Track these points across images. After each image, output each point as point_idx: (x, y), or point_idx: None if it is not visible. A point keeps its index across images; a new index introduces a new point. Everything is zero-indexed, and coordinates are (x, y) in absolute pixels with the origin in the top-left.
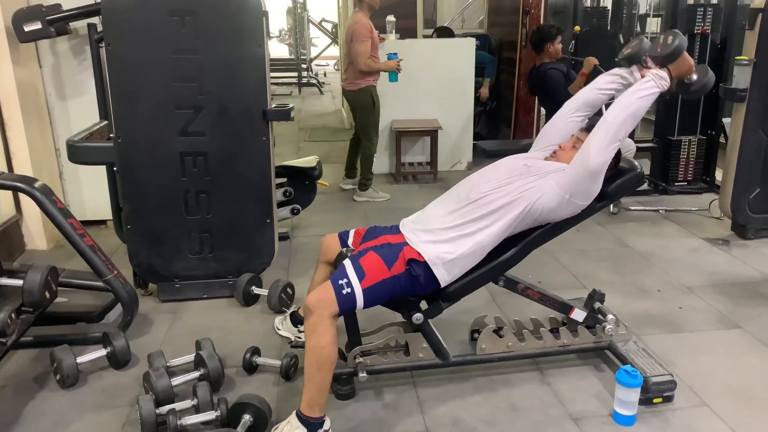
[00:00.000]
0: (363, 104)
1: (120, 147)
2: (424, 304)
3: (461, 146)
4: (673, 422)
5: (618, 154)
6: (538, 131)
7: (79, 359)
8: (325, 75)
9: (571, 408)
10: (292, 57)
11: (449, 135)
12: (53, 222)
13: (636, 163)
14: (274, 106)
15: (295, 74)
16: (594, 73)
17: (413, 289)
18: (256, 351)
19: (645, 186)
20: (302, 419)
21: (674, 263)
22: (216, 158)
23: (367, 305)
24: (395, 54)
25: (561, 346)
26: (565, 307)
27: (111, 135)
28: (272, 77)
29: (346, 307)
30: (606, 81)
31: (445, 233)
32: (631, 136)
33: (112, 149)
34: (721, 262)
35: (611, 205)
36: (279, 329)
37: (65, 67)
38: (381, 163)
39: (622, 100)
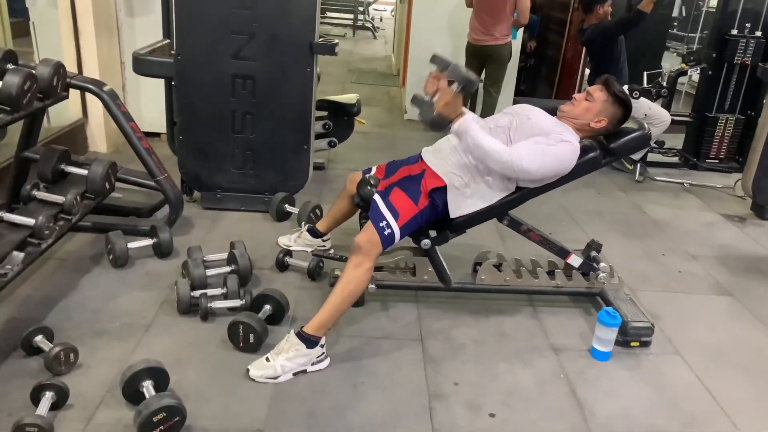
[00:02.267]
0: (505, 57)
1: (179, 64)
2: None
3: (502, 100)
4: (644, 364)
5: (627, 110)
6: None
7: (130, 245)
8: (381, 20)
9: (554, 340)
10: None
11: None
12: (116, 123)
13: (645, 124)
14: (320, 40)
15: (351, 16)
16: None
17: (435, 216)
18: (288, 253)
19: (675, 159)
20: (303, 337)
21: (685, 233)
22: (263, 83)
23: (402, 238)
24: None
25: (555, 287)
26: (563, 252)
27: (172, 52)
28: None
29: (388, 245)
30: None
31: (458, 167)
32: (668, 107)
33: (171, 65)
34: (732, 237)
35: (637, 173)
36: (290, 246)
37: None
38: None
39: (482, 155)
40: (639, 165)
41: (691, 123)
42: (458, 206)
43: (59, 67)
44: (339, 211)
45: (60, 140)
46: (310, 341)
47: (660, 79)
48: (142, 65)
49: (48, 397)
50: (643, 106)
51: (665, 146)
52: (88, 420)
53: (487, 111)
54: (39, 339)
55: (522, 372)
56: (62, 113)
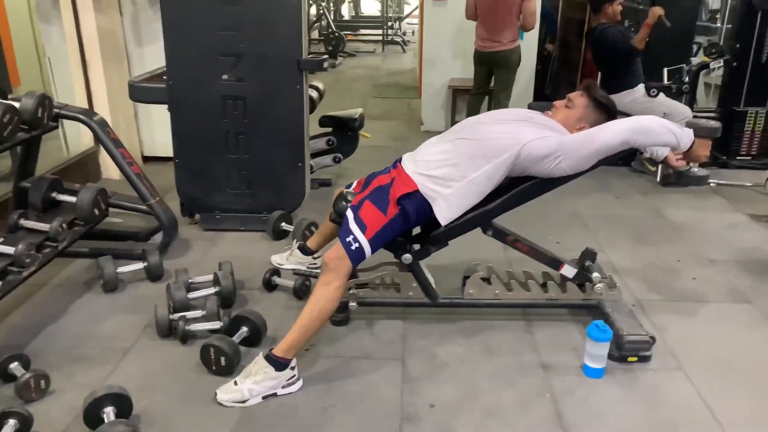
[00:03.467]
0: (514, 63)
1: (171, 89)
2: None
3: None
4: (642, 380)
5: (610, 114)
6: None
7: (120, 269)
8: (413, 33)
9: (545, 357)
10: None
11: None
12: (106, 150)
13: None
14: (310, 56)
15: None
16: (658, 26)
17: (408, 225)
18: (275, 272)
19: None
20: (272, 360)
21: (705, 236)
22: (254, 103)
23: (374, 251)
24: None
25: (548, 299)
26: (555, 263)
27: (164, 77)
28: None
29: (358, 260)
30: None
31: (438, 168)
32: (690, 103)
33: (164, 90)
34: (757, 239)
35: (659, 174)
36: (282, 264)
37: (143, 15)
38: (437, 120)
39: (658, 119)
40: (661, 166)
41: (718, 119)
42: (443, 213)
43: (44, 99)
44: (328, 228)
45: (72, 168)
46: (279, 363)
47: (681, 74)
48: (137, 92)
49: (10, 424)
50: (661, 104)
51: None
52: None
53: None
54: (14, 366)
55: (505, 391)
56: (80, 141)
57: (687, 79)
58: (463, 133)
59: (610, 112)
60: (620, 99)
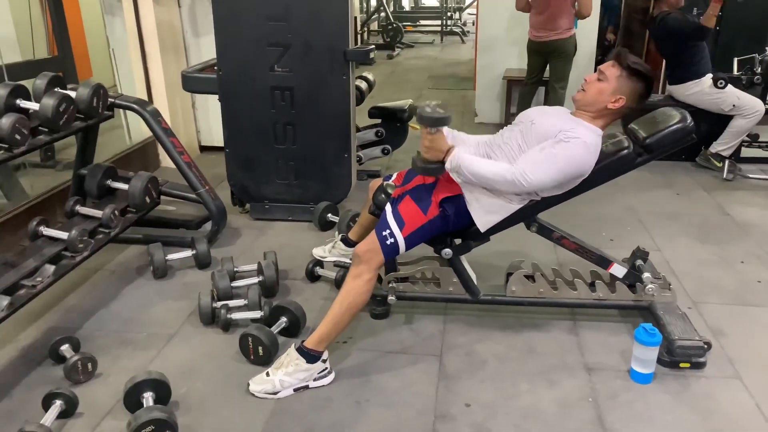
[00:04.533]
0: (570, 52)
1: (221, 79)
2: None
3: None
4: (694, 388)
5: (648, 82)
6: (663, 87)
7: (169, 256)
8: (474, 24)
9: (590, 359)
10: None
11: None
12: (157, 139)
13: (687, 114)
14: (357, 47)
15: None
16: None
17: (447, 227)
18: (318, 263)
19: None
20: (303, 351)
21: None
22: (301, 93)
23: (408, 249)
24: None
25: (596, 299)
26: (604, 261)
27: (215, 68)
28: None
29: (391, 255)
30: None
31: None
32: (762, 96)
33: (215, 80)
34: None
35: (725, 170)
36: (324, 257)
37: (200, 6)
38: (491, 111)
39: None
40: (728, 162)
41: None
42: (483, 220)
43: (99, 89)
44: (367, 219)
45: (133, 156)
46: (310, 356)
47: (753, 64)
48: (189, 82)
49: (57, 405)
50: (730, 95)
51: (760, 140)
52: (92, 429)
53: None
54: (65, 348)
55: (544, 393)
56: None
57: (759, 69)
58: (508, 144)
59: (646, 79)
60: (685, 90)
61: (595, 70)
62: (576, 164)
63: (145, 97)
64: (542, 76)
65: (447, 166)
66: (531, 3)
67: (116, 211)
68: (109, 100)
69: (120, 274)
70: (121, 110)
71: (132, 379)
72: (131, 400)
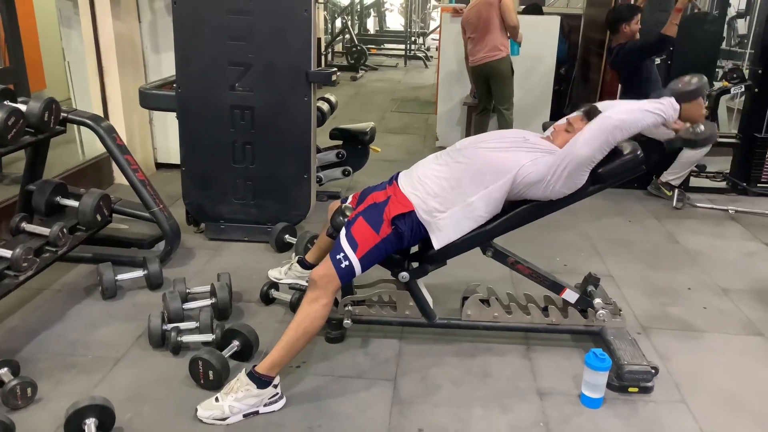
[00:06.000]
0: (505, 73)
1: (180, 96)
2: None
3: (533, 126)
4: (641, 412)
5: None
6: None
7: (119, 276)
8: (437, 49)
9: (542, 383)
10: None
11: (522, 113)
12: (111, 156)
13: (638, 147)
14: (319, 68)
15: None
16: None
17: (402, 245)
18: (274, 285)
19: (723, 184)
20: (254, 377)
21: (720, 264)
22: (261, 113)
23: (364, 270)
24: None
25: (548, 324)
26: (556, 286)
27: (173, 85)
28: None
29: (347, 279)
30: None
31: (434, 191)
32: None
33: (173, 98)
34: None
35: (675, 199)
36: (280, 279)
37: (161, 23)
38: (452, 136)
39: (627, 105)
40: (677, 191)
41: (738, 145)
42: (439, 237)
43: (51, 103)
44: (325, 242)
45: (85, 173)
46: (261, 381)
47: None
48: (147, 99)
49: None
50: None
51: (708, 170)
52: None
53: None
54: (3, 372)
55: (498, 417)
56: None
57: (707, 103)
58: (460, 156)
59: None
60: None
61: (553, 100)
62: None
63: (100, 112)
64: (491, 102)
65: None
66: (463, 29)
67: (65, 229)
68: (62, 114)
69: (66, 294)
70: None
71: (74, 405)
72: (72, 427)
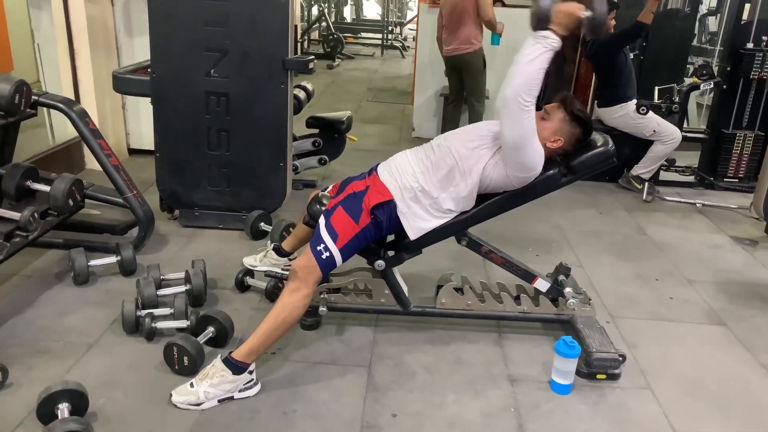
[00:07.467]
0: (477, 66)
1: (154, 81)
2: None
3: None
4: (609, 398)
5: (586, 129)
6: (591, 110)
7: (92, 262)
8: (414, 39)
9: (513, 370)
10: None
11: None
12: (84, 140)
13: (609, 139)
14: (296, 56)
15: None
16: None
17: (381, 233)
18: (249, 272)
19: (691, 178)
20: (230, 363)
21: (687, 256)
22: (237, 100)
23: (345, 260)
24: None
25: (520, 312)
26: (528, 276)
27: (148, 70)
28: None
29: (328, 269)
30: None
31: (411, 184)
32: (680, 123)
33: (148, 83)
34: (738, 261)
35: (645, 192)
36: (255, 266)
37: (135, 5)
38: (428, 127)
39: (511, 70)
40: (647, 184)
41: (707, 140)
42: (414, 228)
43: (22, 86)
44: (302, 231)
45: (56, 157)
46: (237, 367)
47: (672, 94)
48: (121, 83)
49: None
50: (651, 122)
51: (677, 165)
52: None
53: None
54: None
55: (470, 403)
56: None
57: (677, 98)
58: (432, 153)
59: (585, 126)
60: (612, 113)
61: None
62: (537, 147)
63: (72, 96)
64: (463, 93)
65: (540, 33)
66: (440, 12)
67: (36, 214)
68: (33, 97)
69: (37, 280)
70: (44, 108)
71: (46, 389)
72: (45, 411)
